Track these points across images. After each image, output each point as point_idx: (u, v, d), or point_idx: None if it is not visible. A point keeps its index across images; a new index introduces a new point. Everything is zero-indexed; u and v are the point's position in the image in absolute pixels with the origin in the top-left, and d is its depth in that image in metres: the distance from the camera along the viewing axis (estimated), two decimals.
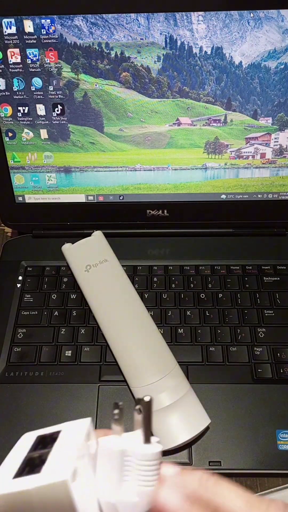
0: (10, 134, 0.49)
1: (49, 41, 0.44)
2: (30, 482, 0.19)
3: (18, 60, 0.45)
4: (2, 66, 0.45)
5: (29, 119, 0.48)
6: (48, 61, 0.45)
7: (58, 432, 0.23)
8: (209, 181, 0.52)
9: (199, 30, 0.43)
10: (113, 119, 0.49)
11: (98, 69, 0.45)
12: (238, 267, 0.53)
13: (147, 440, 0.22)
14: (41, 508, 0.19)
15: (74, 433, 0.22)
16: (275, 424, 0.41)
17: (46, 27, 0.43)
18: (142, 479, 0.21)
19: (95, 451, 0.23)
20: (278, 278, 0.52)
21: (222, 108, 0.48)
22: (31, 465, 0.21)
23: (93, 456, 0.23)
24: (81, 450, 0.21)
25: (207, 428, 0.41)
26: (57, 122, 0.49)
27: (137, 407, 0.22)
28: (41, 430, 0.24)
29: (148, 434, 0.22)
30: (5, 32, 0.43)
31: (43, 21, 0.43)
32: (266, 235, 0.56)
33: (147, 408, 0.22)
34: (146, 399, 0.22)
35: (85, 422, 0.23)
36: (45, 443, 0.23)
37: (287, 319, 0.48)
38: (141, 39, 0.44)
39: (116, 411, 0.22)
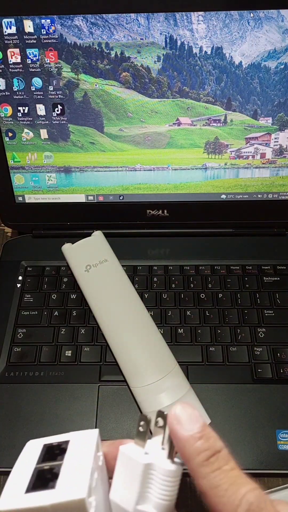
0: (10, 134, 0.49)
1: (49, 41, 0.44)
2: (46, 498, 0.19)
3: (18, 60, 0.45)
4: (2, 66, 0.45)
5: (29, 119, 0.48)
6: (48, 61, 0.45)
7: (66, 443, 0.23)
8: (209, 181, 0.52)
9: (199, 30, 0.43)
10: (113, 119, 0.49)
11: (98, 69, 0.45)
12: (238, 267, 0.53)
13: (171, 456, 0.22)
14: None
15: (84, 445, 0.22)
16: (275, 424, 0.41)
17: (46, 27, 0.43)
18: (162, 493, 0.21)
19: (102, 463, 0.23)
20: (278, 278, 0.52)
21: (222, 108, 0.48)
22: (43, 479, 0.21)
23: (101, 468, 0.23)
24: (94, 464, 0.21)
25: None
26: (57, 122, 0.48)
27: (159, 419, 0.22)
28: (46, 439, 0.23)
29: (173, 451, 0.22)
30: (5, 32, 0.43)
31: (43, 21, 0.43)
32: (266, 235, 0.56)
33: None
34: None
35: (94, 434, 0.23)
36: (54, 453, 0.22)
37: (287, 319, 0.48)
38: (141, 39, 0.44)
39: (142, 423, 0.22)
